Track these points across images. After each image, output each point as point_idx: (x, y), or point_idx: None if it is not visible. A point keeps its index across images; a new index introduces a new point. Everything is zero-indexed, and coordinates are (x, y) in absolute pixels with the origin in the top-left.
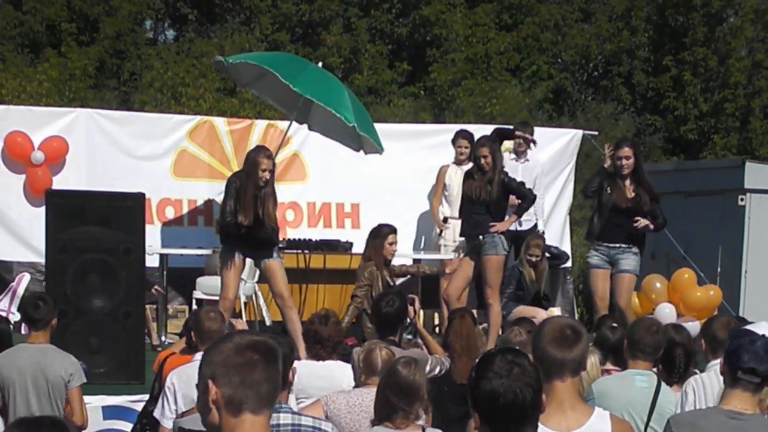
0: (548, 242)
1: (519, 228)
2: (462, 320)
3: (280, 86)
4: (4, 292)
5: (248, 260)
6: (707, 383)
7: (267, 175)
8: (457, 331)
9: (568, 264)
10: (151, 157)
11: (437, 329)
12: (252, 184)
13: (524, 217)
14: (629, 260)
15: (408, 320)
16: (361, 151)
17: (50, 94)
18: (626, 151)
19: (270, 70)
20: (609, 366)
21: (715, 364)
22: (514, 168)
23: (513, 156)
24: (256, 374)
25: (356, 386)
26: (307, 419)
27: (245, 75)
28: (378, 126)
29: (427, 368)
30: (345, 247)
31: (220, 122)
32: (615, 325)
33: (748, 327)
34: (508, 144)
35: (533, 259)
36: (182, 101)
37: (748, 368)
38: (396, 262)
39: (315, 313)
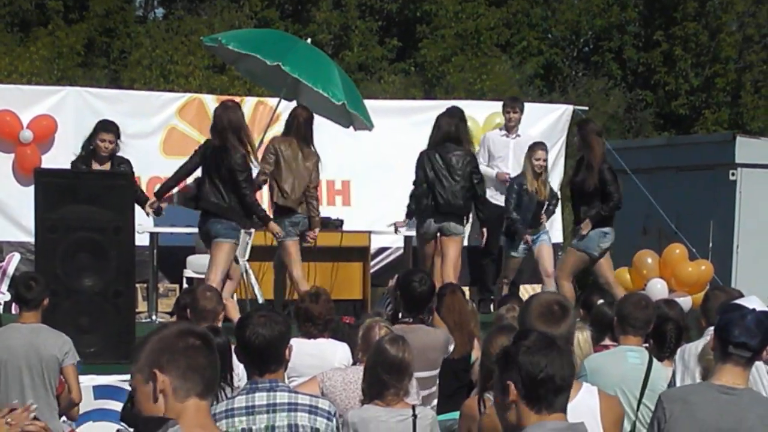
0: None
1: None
2: (453, 296)
3: (267, 64)
4: None
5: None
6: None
7: None
8: (450, 307)
9: (559, 240)
10: (140, 135)
11: None
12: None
13: None
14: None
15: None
16: (351, 128)
17: (40, 73)
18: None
19: (258, 57)
20: (608, 341)
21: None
22: (505, 144)
23: (504, 132)
24: (200, 358)
25: (355, 363)
26: (304, 397)
27: (233, 53)
28: (368, 102)
29: (451, 347)
30: (336, 225)
31: (209, 100)
32: (602, 300)
33: (738, 301)
34: (499, 120)
35: (539, 162)
36: (171, 79)
37: (739, 343)
38: (384, 239)
39: (306, 290)
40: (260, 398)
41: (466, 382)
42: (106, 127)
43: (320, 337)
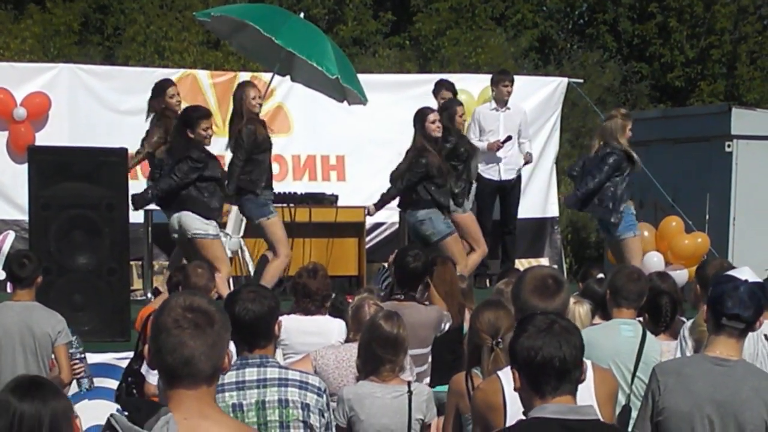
0: (534, 191)
1: (502, 178)
2: (444, 266)
3: (261, 38)
4: None
5: (233, 215)
6: None
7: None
8: (440, 277)
9: (556, 214)
10: (134, 111)
11: None
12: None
13: (507, 166)
14: None
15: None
16: (345, 102)
17: (34, 51)
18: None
19: (252, 24)
20: (597, 320)
21: None
22: (495, 117)
23: (494, 106)
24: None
25: (347, 341)
26: (294, 373)
27: (226, 27)
28: (362, 77)
29: (446, 326)
30: (331, 200)
31: (203, 75)
32: (601, 276)
33: (731, 272)
34: (488, 93)
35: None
36: (166, 55)
37: (732, 314)
38: (379, 214)
39: (303, 266)
40: (250, 373)
41: (459, 353)
42: (206, 113)
43: (318, 314)
